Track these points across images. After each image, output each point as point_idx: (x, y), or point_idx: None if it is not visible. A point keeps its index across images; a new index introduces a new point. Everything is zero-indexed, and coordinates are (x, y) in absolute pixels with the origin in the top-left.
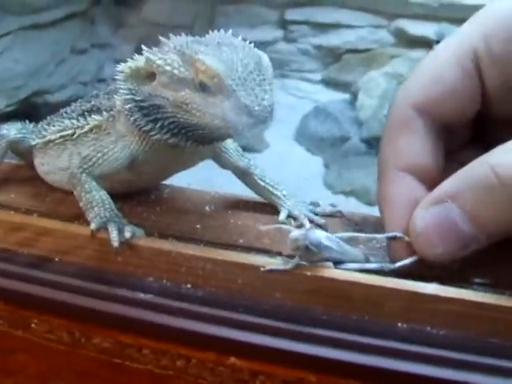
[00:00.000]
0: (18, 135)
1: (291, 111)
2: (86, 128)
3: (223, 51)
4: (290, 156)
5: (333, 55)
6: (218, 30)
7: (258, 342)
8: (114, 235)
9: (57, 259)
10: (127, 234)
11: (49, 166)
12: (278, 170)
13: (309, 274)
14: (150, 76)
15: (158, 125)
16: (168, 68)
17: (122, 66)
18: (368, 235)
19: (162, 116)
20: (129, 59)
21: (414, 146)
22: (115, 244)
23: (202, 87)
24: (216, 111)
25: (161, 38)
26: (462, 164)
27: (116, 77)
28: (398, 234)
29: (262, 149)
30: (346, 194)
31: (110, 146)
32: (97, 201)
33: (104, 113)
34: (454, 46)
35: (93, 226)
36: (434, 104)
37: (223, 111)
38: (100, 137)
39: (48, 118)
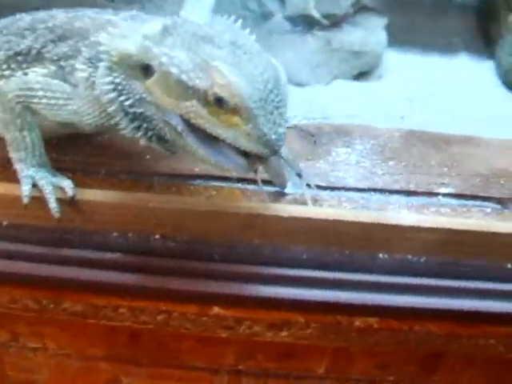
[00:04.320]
0: None
1: None
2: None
3: (241, 60)
4: None
5: None
6: None
7: (238, 291)
8: (52, 204)
9: (5, 223)
10: (70, 191)
11: None
12: None
13: (285, 215)
14: (144, 68)
15: (141, 133)
16: (174, 70)
17: (106, 41)
18: None
19: (149, 126)
20: (115, 31)
21: None
22: (56, 215)
23: (217, 102)
24: (228, 134)
25: (160, 18)
26: None
27: (100, 49)
28: None
29: None
30: None
31: (63, 96)
32: (27, 144)
33: (50, 66)
34: None
35: (24, 191)
36: None
37: (235, 135)
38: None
39: None
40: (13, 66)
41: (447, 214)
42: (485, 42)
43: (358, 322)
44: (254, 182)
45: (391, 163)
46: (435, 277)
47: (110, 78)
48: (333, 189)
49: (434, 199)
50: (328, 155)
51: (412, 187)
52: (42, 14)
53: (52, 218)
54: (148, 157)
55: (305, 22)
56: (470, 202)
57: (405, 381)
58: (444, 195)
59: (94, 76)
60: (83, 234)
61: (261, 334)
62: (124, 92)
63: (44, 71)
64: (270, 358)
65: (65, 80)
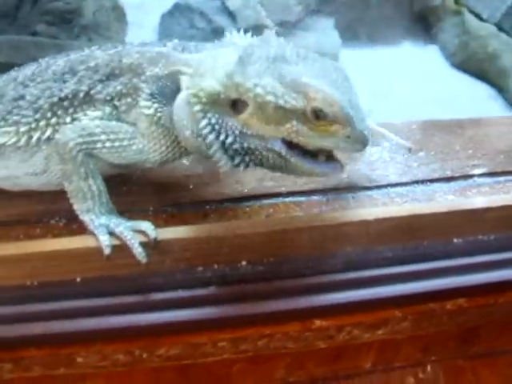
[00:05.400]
0: None
1: (142, 12)
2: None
3: (317, 69)
4: None
5: None
6: None
7: (336, 300)
8: (137, 249)
9: (79, 279)
10: (152, 233)
11: (7, 170)
12: None
13: (370, 218)
14: (232, 104)
15: (242, 166)
16: (271, 98)
17: (189, 84)
18: None
19: (251, 158)
20: (190, 71)
21: None
22: (143, 260)
23: (316, 116)
24: (329, 142)
25: (228, 41)
26: None
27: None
28: None
29: None
30: None
31: (126, 136)
32: (93, 192)
33: (104, 107)
34: None
35: (104, 241)
36: None
37: (336, 142)
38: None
39: None
40: (59, 112)
41: (487, 192)
42: (425, 27)
43: (449, 305)
44: (302, 193)
45: (421, 154)
46: (508, 250)
47: (205, 121)
48: (379, 187)
49: (471, 181)
50: (363, 156)
51: (449, 173)
52: (75, 56)
53: (138, 264)
54: (191, 186)
55: (259, 33)
56: (502, 178)
57: (447, 358)
58: (479, 176)
59: (161, 111)
60: (170, 275)
61: (358, 336)
62: (222, 130)
63: (98, 113)
64: (319, 364)
65: (121, 120)
